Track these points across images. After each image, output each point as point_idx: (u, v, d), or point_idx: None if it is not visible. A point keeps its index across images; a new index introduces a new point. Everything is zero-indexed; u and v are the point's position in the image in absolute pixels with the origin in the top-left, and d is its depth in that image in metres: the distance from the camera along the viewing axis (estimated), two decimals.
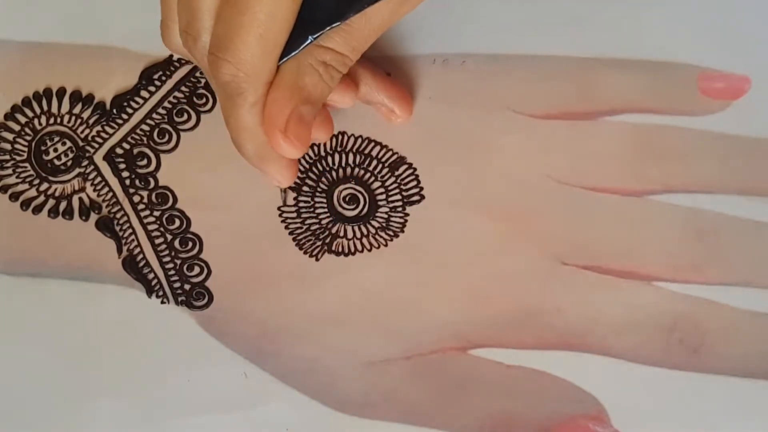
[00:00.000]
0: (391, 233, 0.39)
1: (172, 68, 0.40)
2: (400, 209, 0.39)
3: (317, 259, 0.38)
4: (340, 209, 0.39)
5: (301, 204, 0.39)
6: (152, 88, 0.40)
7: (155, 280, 0.38)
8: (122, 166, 0.40)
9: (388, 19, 0.32)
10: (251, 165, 0.34)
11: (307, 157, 0.39)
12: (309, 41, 0.31)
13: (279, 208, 0.39)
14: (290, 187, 0.39)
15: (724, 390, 0.37)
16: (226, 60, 0.30)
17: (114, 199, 0.39)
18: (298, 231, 0.39)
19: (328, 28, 0.31)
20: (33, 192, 0.39)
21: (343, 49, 0.32)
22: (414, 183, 0.39)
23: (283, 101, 0.31)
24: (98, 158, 0.40)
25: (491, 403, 0.37)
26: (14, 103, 0.40)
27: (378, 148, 0.39)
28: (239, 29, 0.30)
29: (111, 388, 0.37)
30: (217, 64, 0.30)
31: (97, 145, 0.40)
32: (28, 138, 0.40)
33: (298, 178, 0.39)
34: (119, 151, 0.40)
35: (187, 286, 0.38)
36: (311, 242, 0.38)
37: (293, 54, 0.31)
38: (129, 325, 0.38)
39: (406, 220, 0.39)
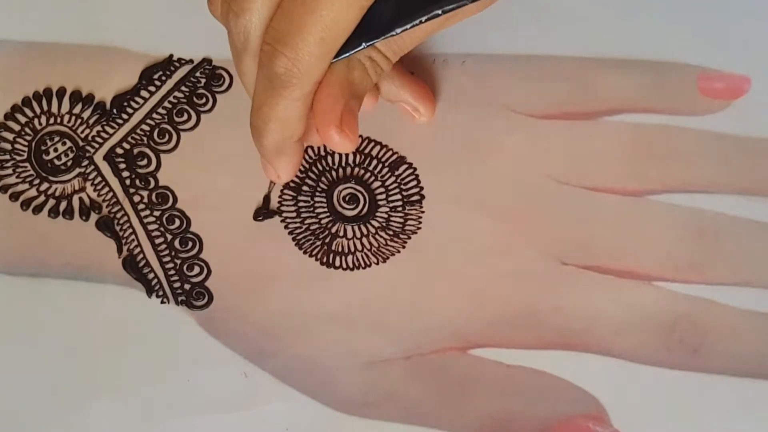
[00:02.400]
0: (391, 233, 0.39)
1: (172, 68, 0.40)
2: (400, 209, 0.39)
3: (317, 259, 0.38)
4: (339, 209, 0.39)
5: (301, 204, 0.39)
6: (152, 88, 0.40)
7: (155, 280, 0.38)
8: (122, 166, 0.40)
9: (430, 32, 0.33)
10: (263, 155, 0.34)
11: (307, 157, 0.39)
12: (363, 47, 0.32)
13: (264, 198, 0.38)
14: (290, 187, 0.39)
15: (724, 390, 0.37)
16: (283, 54, 0.31)
17: (114, 199, 0.39)
18: (298, 231, 0.39)
19: (383, 37, 0.32)
20: (33, 192, 0.39)
21: (386, 50, 0.33)
22: (414, 183, 0.39)
23: (337, 96, 0.32)
24: (98, 158, 0.40)
25: (491, 403, 0.37)
26: (14, 103, 0.40)
27: (378, 147, 0.39)
28: (302, 27, 0.30)
29: (111, 388, 0.37)
30: (273, 55, 0.31)
31: (97, 145, 0.40)
32: (28, 138, 0.40)
33: (298, 177, 0.39)
34: (119, 151, 0.40)
35: (187, 286, 0.38)
36: (311, 242, 0.38)
37: (346, 56, 0.32)
38: (129, 325, 0.38)
39: (406, 220, 0.39)
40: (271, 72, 0.31)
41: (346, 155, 0.39)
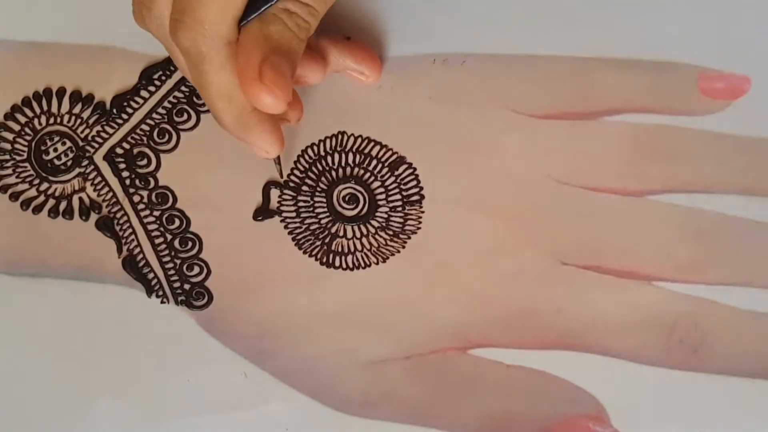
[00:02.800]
0: (390, 233, 0.39)
1: (172, 68, 0.40)
2: (399, 209, 0.39)
3: (317, 259, 0.38)
4: (339, 209, 0.39)
5: (301, 204, 0.39)
6: (152, 88, 0.40)
7: (155, 280, 0.38)
8: (122, 166, 0.40)
9: None
10: (235, 137, 0.34)
11: (306, 157, 0.39)
12: (272, 2, 0.31)
13: (276, 185, 0.39)
14: (289, 184, 0.39)
15: (724, 390, 0.37)
16: (183, 21, 0.30)
17: (114, 199, 0.39)
18: (298, 231, 0.39)
19: None
20: (33, 192, 0.39)
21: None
22: (414, 183, 0.39)
23: (252, 50, 0.31)
24: (98, 158, 0.40)
25: (491, 403, 0.37)
26: (14, 103, 0.40)
27: (378, 147, 0.39)
28: None
29: (111, 388, 0.37)
30: (177, 27, 0.31)
31: (97, 145, 0.40)
32: (28, 138, 0.40)
33: (298, 177, 0.39)
34: (119, 150, 0.40)
35: (186, 286, 0.38)
36: (311, 242, 0.38)
37: (255, 15, 0.31)
38: (129, 325, 0.38)
39: (406, 220, 0.39)
40: (182, 48, 0.31)
41: (346, 155, 0.39)
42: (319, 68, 0.37)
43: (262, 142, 0.34)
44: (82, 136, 0.40)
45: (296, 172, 0.39)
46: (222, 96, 0.32)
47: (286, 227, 0.39)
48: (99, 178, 0.39)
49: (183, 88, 0.40)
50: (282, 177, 0.39)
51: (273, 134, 0.34)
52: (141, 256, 0.39)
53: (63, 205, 0.39)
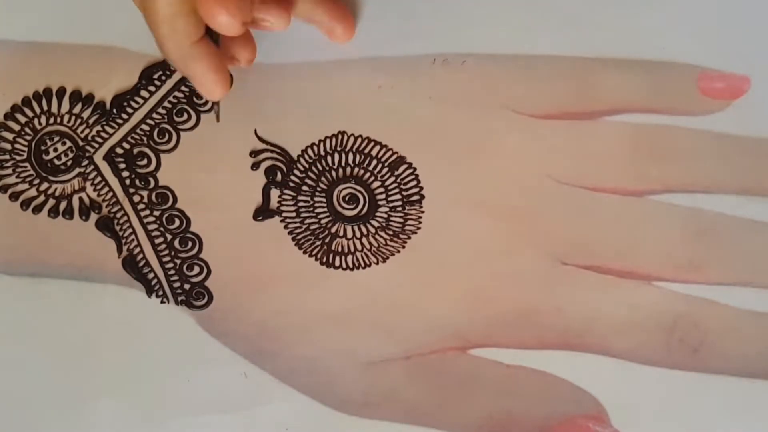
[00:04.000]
0: (390, 233, 0.39)
1: (172, 68, 0.40)
2: (399, 209, 0.39)
3: (317, 259, 0.38)
4: (339, 209, 0.39)
5: (301, 204, 0.39)
6: (152, 88, 0.40)
7: (155, 280, 0.38)
8: (122, 165, 0.40)
9: None
10: (177, 69, 0.33)
11: (306, 157, 0.39)
12: None
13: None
14: (289, 186, 0.39)
15: (724, 390, 0.37)
16: None
17: (114, 199, 0.39)
18: (298, 231, 0.39)
19: None
20: (33, 192, 0.39)
21: None
22: (414, 183, 0.39)
23: None
24: (98, 158, 0.40)
25: (491, 403, 0.37)
26: (14, 103, 0.40)
27: (378, 147, 0.39)
28: None
29: (111, 388, 0.37)
30: None
31: (97, 145, 0.40)
32: (28, 138, 0.40)
33: (297, 177, 0.39)
34: (119, 150, 0.40)
35: (186, 286, 0.38)
36: (311, 242, 0.38)
37: None
38: (129, 325, 0.38)
39: (406, 220, 0.39)
40: None
41: (346, 155, 0.39)
42: (284, 16, 0.35)
43: (204, 79, 0.33)
44: (82, 136, 0.40)
45: (296, 172, 0.39)
46: (165, 21, 0.31)
47: (286, 227, 0.39)
48: (99, 178, 0.39)
49: (183, 88, 0.40)
50: (218, 120, 0.37)
51: (217, 72, 0.33)
52: (141, 256, 0.39)
53: (63, 205, 0.39)
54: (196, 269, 0.38)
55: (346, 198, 0.39)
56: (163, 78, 0.40)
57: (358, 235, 0.39)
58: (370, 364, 0.37)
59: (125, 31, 0.41)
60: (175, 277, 0.38)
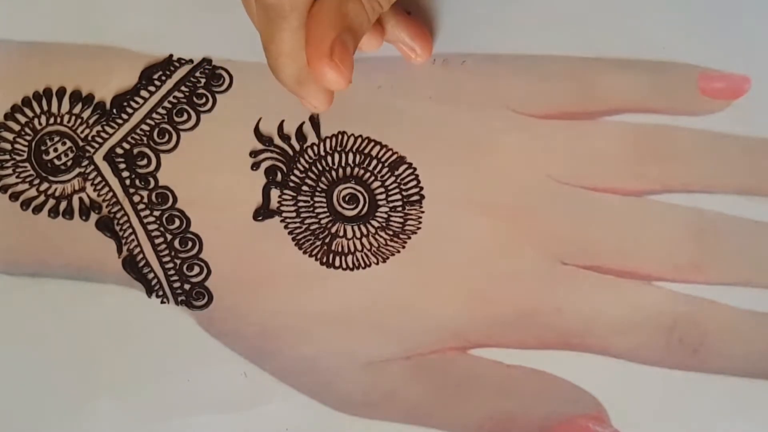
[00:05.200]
0: (390, 233, 0.39)
1: (172, 68, 0.40)
2: (399, 209, 0.39)
3: (317, 259, 0.38)
4: (339, 209, 0.39)
5: (301, 204, 0.39)
6: (152, 88, 0.40)
7: (155, 280, 0.38)
8: (122, 166, 0.40)
9: None
10: (289, 90, 0.35)
11: (306, 157, 0.39)
12: None
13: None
14: (289, 186, 0.39)
15: (724, 390, 0.37)
16: None
17: (114, 199, 0.39)
18: (298, 231, 0.39)
19: None
20: (33, 192, 0.39)
21: None
22: (414, 183, 0.39)
23: (328, 26, 0.32)
24: (98, 158, 0.40)
25: (491, 403, 0.37)
26: (14, 103, 0.40)
27: (378, 147, 0.39)
28: None
29: (111, 388, 0.37)
30: None
31: (97, 145, 0.40)
32: (28, 138, 0.40)
33: (297, 177, 0.39)
34: (119, 151, 0.40)
35: (187, 286, 0.38)
36: (311, 242, 0.38)
37: None
38: (129, 325, 0.38)
39: (406, 220, 0.39)
40: (265, 3, 0.31)
41: (346, 155, 0.39)
42: (378, 38, 0.38)
43: (313, 98, 0.35)
44: (82, 136, 0.40)
45: (296, 172, 0.39)
46: (288, 54, 0.33)
47: (286, 227, 0.39)
48: (99, 178, 0.39)
49: (183, 89, 0.40)
50: (320, 138, 0.39)
51: (326, 92, 0.35)
52: (141, 256, 0.39)
53: (63, 205, 0.39)
54: (196, 269, 0.38)
55: (346, 198, 0.39)
56: (163, 78, 0.40)
57: (358, 235, 0.39)
58: (370, 364, 0.37)
59: (125, 31, 0.41)
60: (175, 277, 0.38)
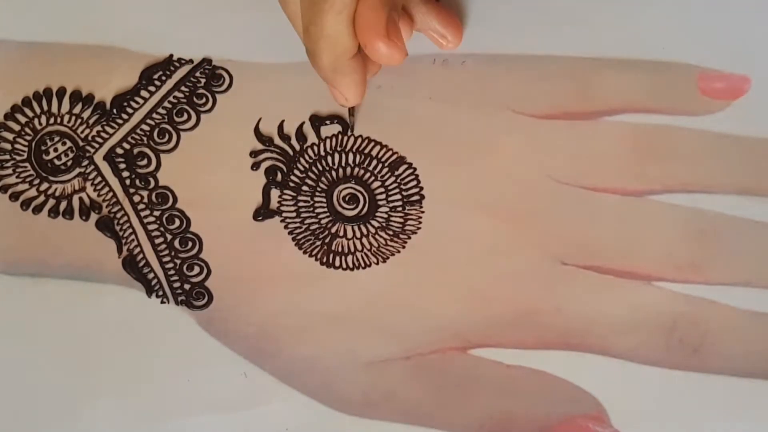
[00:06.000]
0: (390, 233, 0.39)
1: (172, 68, 0.40)
2: (400, 209, 0.39)
3: (317, 259, 0.38)
4: (339, 209, 0.39)
5: (301, 204, 0.39)
6: (152, 88, 0.40)
7: (155, 280, 0.38)
8: (122, 166, 0.40)
9: None
10: (323, 78, 0.35)
11: (306, 157, 0.39)
12: None
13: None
14: (289, 186, 0.39)
15: (724, 390, 0.37)
16: None
17: (114, 199, 0.39)
18: (298, 231, 0.39)
19: None
20: (33, 192, 0.39)
21: None
22: (414, 183, 0.39)
23: (379, 7, 0.32)
24: (98, 158, 0.40)
25: (491, 402, 0.37)
26: (14, 103, 0.40)
27: (378, 147, 0.39)
28: None
29: (111, 388, 0.37)
30: None
31: (97, 145, 0.40)
32: (28, 138, 0.40)
33: (298, 177, 0.39)
34: (119, 151, 0.40)
35: (187, 286, 0.38)
36: (311, 242, 0.38)
37: None
38: (129, 325, 0.38)
39: (406, 220, 0.39)
40: None
41: (346, 155, 0.39)
42: (408, 28, 0.38)
43: (347, 90, 0.35)
44: (82, 136, 0.40)
45: (296, 172, 0.39)
46: (329, 37, 0.33)
47: (286, 227, 0.39)
48: (99, 178, 0.39)
49: (183, 89, 0.40)
50: (352, 130, 0.39)
51: (361, 85, 0.35)
52: (141, 256, 0.39)
53: (63, 205, 0.39)
54: (196, 269, 0.38)
55: (346, 198, 0.39)
56: (163, 78, 0.40)
57: (358, 235, 0.39)
58: (370, 364, 0.37)
59: (125, 31, 0.41)
60: (175, 277, 0.38)
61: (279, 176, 0.39)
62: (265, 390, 0.37)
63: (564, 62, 0.40)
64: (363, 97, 0.36)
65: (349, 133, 0.39)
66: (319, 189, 0.39)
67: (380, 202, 0.39)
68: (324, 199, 0.39)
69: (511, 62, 0.40)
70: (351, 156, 0.39)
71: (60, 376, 0.38)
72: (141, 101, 0.40)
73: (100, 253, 0.39)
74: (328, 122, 0.39)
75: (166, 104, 0.40)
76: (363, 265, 0.38)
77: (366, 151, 0.39)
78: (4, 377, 0.38)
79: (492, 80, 0.40)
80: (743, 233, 0.38)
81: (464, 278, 0.38)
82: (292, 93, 0.40)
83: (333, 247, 0.38)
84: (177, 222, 0.39)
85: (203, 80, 0.40)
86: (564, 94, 0.40)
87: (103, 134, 0.40)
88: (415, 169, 0.39)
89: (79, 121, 0.40)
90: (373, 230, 0.39)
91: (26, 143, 0.40)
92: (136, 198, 0.39)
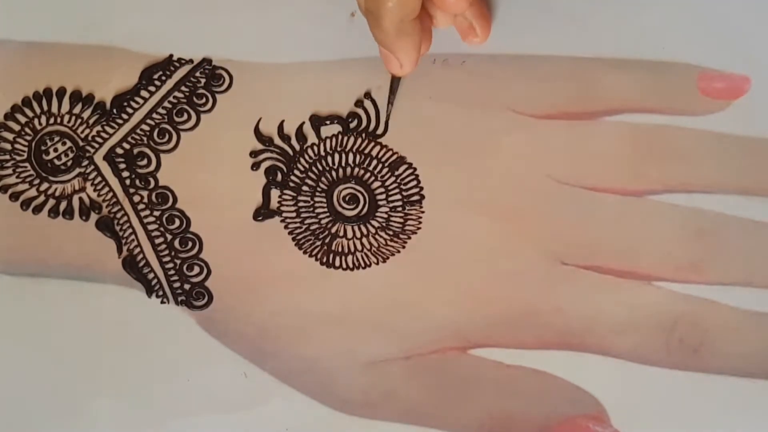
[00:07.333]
0: (390, 233, 0.39)
1: (172, 68, 0.40)
2: (400, 209, 0.39)
3: (317, 259, 0.38)
4: (339, 209, 0.39)
5: (301, 204, 0.39)
6: (152, 88, 0.40)
7: (155, 280, 0.38)
8: (122, 166, 0.40)
9: None
10: (383, 42, 0.35)
11: (307, 157, 0.39)
12: None
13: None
14: (289, 186, 0.39)
15: (724, 390, 0.37)
16: None
17: (114, 199, 0.39)
18: (298, 231, 0.39)
19: None
20: (33, 192, 0.39)
21: None
22: (414, 183, 0.39)
23: None
24: (98, 158, 0.40)
25: (491, 402, 0.37)
26: (14, 103, 0.40)
27: (378, 147, 0.39)
28: None
29: (111, 388, 0.37)
30: None
31: (97, 145, 0.40)
32: (28, 138, 0.40)
33: (298, 177, 0.39)
34: (119, 151, 0.40)
35: (187, 286, 0.38)
36: (311, 242, 0.38)
37: None
38: (129, 325, 0.38)
39: (406, 220, 0.39)
40: None
41: (346, 155, 0.39)
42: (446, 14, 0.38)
43: (405, 54, 0.36)
44: (82, 136, 0.40)
45: (296, 172, 0.39)
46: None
47: (286, 227, 0.39)
48: (99, 178, 0.39)
49: (183, 89, 0.40)
50: (388, 116, 0.39)
51: (417, 50, 0.36)
52: (141, 256, 0.39)
53: (63, 205, 0.39)
54: (196, 269, 0.38)
55: (347, 198, 0.39)
56: (163, 78, 0.40)
57: (358, 235, 0.39)
58: (370, 364, 0.37)
59: (125, 31, 0.41)
60: (175, 277, 0.38)
61: (279, 176, 0.39)
62: (265, 390, 0.37)
63: (564, 62, 0.40)
64: (414, 66, 0.36)
65: (383, 123, 0.39)
66: (319, 189, 0.39)
67: (380, 202, 0.39)
68: (324, 199, 0.39)
69: (511, 62, 0.40)
70: (351, 156, 0.39)
71: (60, 376, 0.38)
72: (141, 101, 0.40)
73: (100, 253, 0.39)
74: (328, 122, 0.39)
75: (166, 104, 0.40)
76: (363, 265, 0.38)
77: (366, 151, 0.39)
78: (4, 377, 0.38)
79: (492, 80, 0.40)
80: (743, 233, 0.38)
81: (464, 278, 0.38)
82: (292, 93, 0.40)
83: (333, 247, 0.38)
84: (177, 222, 0.39)
85: (203, 80, 0.40)
86: (564, 94, 0.40)
87: (103, 134, 0.40)
88: (415, 169, 0.39)
89: (79, 121, 0.40)
90: (373, 230, 0.39)
91: (26, 143, 0.40)
92: (136, 198, 0.39)
